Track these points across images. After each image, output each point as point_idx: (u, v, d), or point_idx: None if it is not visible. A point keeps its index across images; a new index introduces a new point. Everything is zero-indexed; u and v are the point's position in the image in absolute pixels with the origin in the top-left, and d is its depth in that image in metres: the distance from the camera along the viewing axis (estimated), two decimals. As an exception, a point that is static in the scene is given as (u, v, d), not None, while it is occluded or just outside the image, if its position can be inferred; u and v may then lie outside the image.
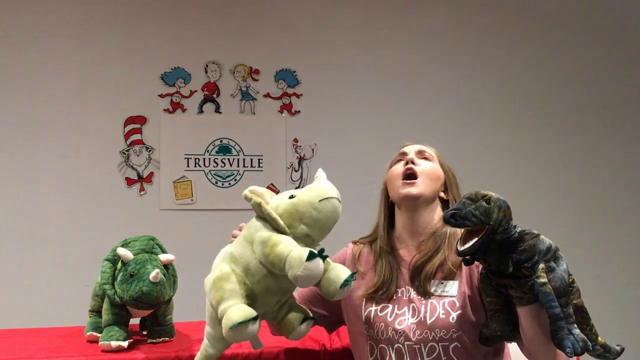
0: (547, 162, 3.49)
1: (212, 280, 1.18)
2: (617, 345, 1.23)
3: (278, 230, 1.14)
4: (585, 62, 3.57)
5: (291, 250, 1.09)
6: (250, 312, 1.10)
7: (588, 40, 3.57)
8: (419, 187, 1.37)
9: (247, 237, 1.19)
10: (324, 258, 1.10)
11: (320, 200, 1.13)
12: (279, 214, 1.14)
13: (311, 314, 1.27)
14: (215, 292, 1.15)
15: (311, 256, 1.06)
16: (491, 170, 3.41)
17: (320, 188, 1.16)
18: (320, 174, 1.22)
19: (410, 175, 1.38)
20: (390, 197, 1.44)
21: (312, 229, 1.14)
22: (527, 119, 3.49)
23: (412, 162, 1.39)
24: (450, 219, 1.12)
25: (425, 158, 1.43)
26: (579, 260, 3.33)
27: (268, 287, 1.16)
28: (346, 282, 1.13)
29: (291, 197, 1.15)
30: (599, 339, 1.20)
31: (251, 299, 1.17)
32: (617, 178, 3.54)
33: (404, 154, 1.45)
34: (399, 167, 1.41)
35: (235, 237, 1.30)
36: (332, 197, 1.14)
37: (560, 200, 3.48)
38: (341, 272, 1.15)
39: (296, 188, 3.22)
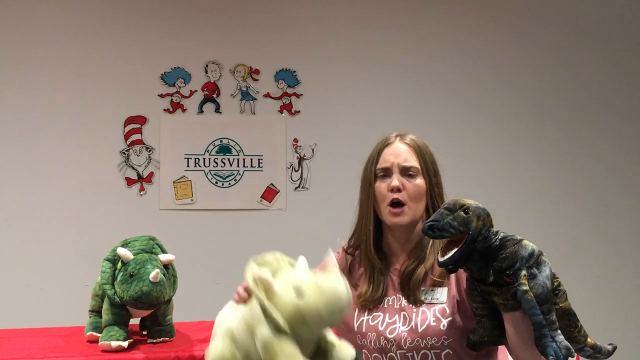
0: (546, 162, 3.49)
1: None
2: (609, 345, 1.23)
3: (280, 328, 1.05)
4: (585, 63, 3.57)
5: None
6: None
7: (587, 42, 3.57)
8: (406, 216, 1.35)
9: (249, 323, 1.09)
10: None
11: (329, 312, 1.02)
12: (285, 317, 1.03)
13: None
14: None
15: None
16: (492, 169, 3.41)
17: (332, 293, 1.03)
18: (331, 259, 1.08)
19: (397, 204, 1.36)
20: (378, 213, 1.40)
21: (316, 332, 1.07)
22: (528, 117, 3.49)
23: (398, 190, 1.35)
24: (428, 231, 1.11)
25: (410, 175, 1.37)
26: (579, 260, 3.34)
27: None
28: None
29: (298, 291, 1.03)
30: (589, 339, 1.19)
31: None
32: (617, 178, 3.54)
33: (388, 169, 1.39)
34: (384, 187, 1.37)
35: (239, 295, 1.17)
36: (343, 307, 1.04)
37: (560, 199, 3.48)
38: (345, 356, 1.10)
39: (296, 189, 3.27)
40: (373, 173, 1.41)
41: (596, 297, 3.35)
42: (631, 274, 3.50)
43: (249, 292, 1.13)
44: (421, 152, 1.40)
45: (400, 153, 1.39)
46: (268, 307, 1.03)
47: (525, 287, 1.08)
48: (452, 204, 1.12)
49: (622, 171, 3.55)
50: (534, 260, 1.12)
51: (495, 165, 3.44)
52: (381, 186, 1.38)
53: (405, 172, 1.37)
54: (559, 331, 1.10)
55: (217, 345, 1.13)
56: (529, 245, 1.13)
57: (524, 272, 1.09)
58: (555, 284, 1.15)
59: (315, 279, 1.04)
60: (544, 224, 3.34)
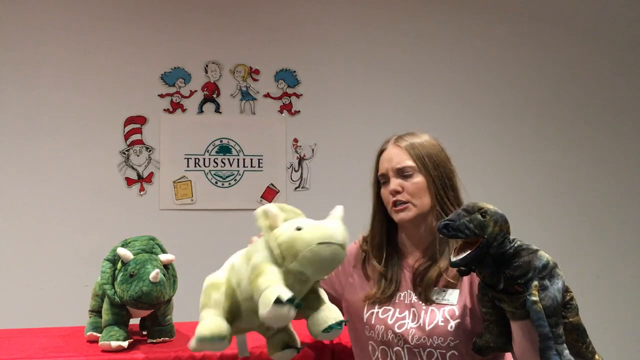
0: (547, 162, 3.49)
1: (206, 285, 1.19)
2: None
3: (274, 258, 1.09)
4: (585, 63, 3.57)
5: (267, 287, 1.04)
6: (221, 330, 1.10)
7: (587, 42, 3.57)
8: (411, 211, 1.39)
9: (249, 253, 1.16)
10: (296, 306, 1.03)
11: (319, 244, 1.05)
12: (279, 243, 1.08)
13: (298, 344, 1.23)
14: (203, 296, 1.18)
15: (278, 301, 1.01)
16: (492, 169, 3.41)
17: (327, 229, 1.07)
18: (336, 212, 1.13)
19: (398, 204, 1.40)
20: (390, 214, 1.45)
21: (305, 269, 1.08)
22: (528, 117, 3.50)
23: (397, 192, 1.39)
24: (443, 230, 1.11)
25: (405, 176, 1.40)
26: (579, 260, 3.34)
27: (253, 308, 1.10)
28: (330, 328, 1.10)
29: (298, 228, 1.08)
30: (596, 356, 1.18)
31: (236, 314, 1.16)
32: (617, 178, 3.54)
33: (385, 175, 1.44)
34: (387, 192, 1.42)
35: (251, 242, 1.27)
36: (334, 243, 1.06)
37: (560, 199, 3.48)
38: (329, 317, 1.12)
39: (296, 189, 3.27)
40: (376, 180, 1.48)
41: (596, 297, 3.35)
42: (631, 274, 3.50)
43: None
44: (415, 150, 1.43)
45: (392, 157, 1.44)
46: (267, 234, 1.10)
47: (535, 298, 1.08)
48: (470, 206, 1.12)
49: (622, 171, 3.55)
50: (547, 272, 1.11)
51: (495, 165, 3.44)
52: (384, 192, 1.44)
53: (401, 173, 1.41)
54: (565, 345, 1.09)
55: (216, 272, 1.21)
56: (544, 256, 1.12)
57: (535, 283, 1.09)
58: (567, 297, 1.14)
59: (317, 222, 1.10)
60: (544, 224, 3.34)
